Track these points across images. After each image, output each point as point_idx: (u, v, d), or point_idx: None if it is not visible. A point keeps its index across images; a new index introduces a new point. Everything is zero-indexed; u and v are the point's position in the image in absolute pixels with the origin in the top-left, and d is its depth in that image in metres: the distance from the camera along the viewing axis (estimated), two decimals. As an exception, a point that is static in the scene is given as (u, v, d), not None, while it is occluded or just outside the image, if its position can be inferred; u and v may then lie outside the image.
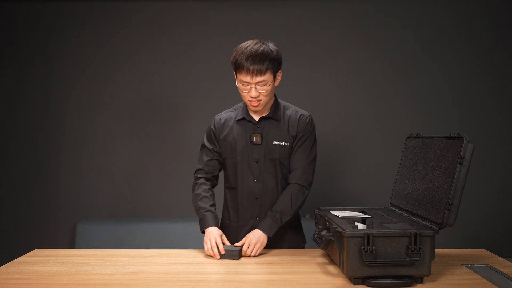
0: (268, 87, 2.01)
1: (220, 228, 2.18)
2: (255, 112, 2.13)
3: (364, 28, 3.28)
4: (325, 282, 1.64)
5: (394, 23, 3.28)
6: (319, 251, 2.01)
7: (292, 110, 2.16)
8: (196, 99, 3.32)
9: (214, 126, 2.18)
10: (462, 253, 2.01)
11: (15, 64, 3.33)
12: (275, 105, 2.14)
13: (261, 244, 1.98)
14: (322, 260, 1.90)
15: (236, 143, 2.12)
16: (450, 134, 1.71)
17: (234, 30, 3.28)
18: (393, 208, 2.06)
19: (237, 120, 2.15)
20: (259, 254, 1.98)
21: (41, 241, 3.29)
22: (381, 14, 3.28)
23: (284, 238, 2.15)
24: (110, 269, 1.80)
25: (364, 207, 2.09)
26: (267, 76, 1.99)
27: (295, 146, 2.11)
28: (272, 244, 2.07)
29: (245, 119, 2.13)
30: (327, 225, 1.82)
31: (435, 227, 1.61)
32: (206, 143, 2.20)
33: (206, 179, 2.20)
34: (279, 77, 2.08)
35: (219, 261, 1.91)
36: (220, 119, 2.19)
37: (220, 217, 2.23)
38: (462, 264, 1.83)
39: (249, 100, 2.04)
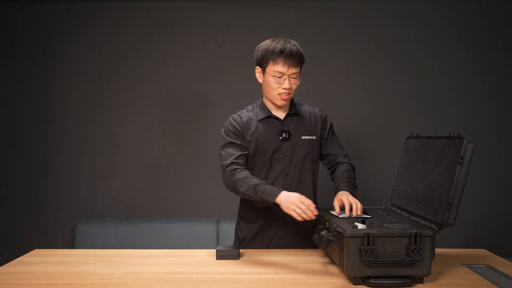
0: (297, 81, 2.08)
1: (243, 230, 2.18)
2: (278, 109, 2.14)
3: (364, 28, 3.28)
4: (325, 282, 1.64)
5: (394, 23, 3.28)
6: (319, 251, 2.02)
7: (305, 106, 2.24)
8: (196, 98, 3.32)
9: (238, 125, 2.12)
10: (462, 253, 2.01)
11: (15, 64, 3.33)
12: (292, 103, 2.18)
13: (352, 198, 1.96)
14: (322, 260, 1.90)
15: (265, 141, 2.10)
16: (450, 134, 1.72)
17: (234, 30, 3.28)
18: (393, 208, 2.06)
19: (260, 120, 2.13)
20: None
21: (41, 241, 3.29)
22: (381, 14, 3.28)
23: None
24: (110, 269, 1.80)
25: (364, 207, 2.09)
26: (299, 69, 2.06)
27: (327, 137, 2.21)
28: (280, 245, 2.10)
29: (271, 117, 2.13)
30: (327, 225, 1.82)
31: (435, 227, 1.61)
32: (234, 140, 2.10)
33: (244, 168, 2.05)
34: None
35: (219, 261, 1.91)
36: (241, 118, 2.14)
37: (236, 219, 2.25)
38: (462, 264, 1.83)
39: (279, 93, 2.05)
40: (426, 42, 3.27)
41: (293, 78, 2.05)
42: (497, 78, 3.27)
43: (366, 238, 1.55)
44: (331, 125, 2.23)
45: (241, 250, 2.06)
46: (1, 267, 1.84)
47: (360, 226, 1.73)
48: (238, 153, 2.06)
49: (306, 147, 2.14)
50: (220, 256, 1.94)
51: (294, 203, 1.81)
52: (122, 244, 3.13)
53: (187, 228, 3.17)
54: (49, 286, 1.62)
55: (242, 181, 1.96)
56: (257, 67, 2.11)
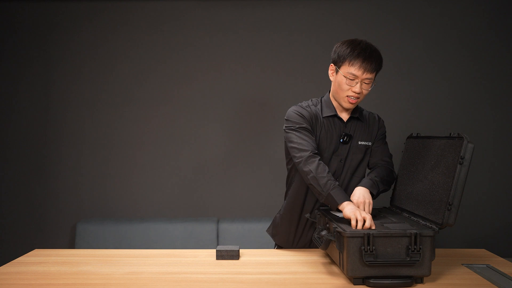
0: (369, 87, 1.99)
1: (287, 228, 2.15)
2: (343, 110, 2.07)
3: (364, 28, 3.28)
4: (325, 282, 1.64)
5: (394, 23, 3.28)
6: (319, 251, 2.01)
7: (365, 110, 2.17)
8: (196, 97, 3.32)
9: (309, 113, 2.03)
10: (462, 253, 2.01)
11: (15, 64, 3.33)
12: (356, 106, 2.10)
13: (365, 199, 1.88)
14: (322, 260, 1.90)
15: (326, 139, 2.05)
16: (450, 134, 1.71)
17: (234, 30, 3.28)
18: (393, 208, 2.06)
19: (325, 116, 2.07)
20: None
21: (41, 241, 3.29)
22: (381, 14, 3.28)
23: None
24: (110, 269, 1.80)
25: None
26: (373, 76, 1.97)
27: (377, 140, 2.11)
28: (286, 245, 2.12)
29: (336, 117, 2.07)
30: (327, 225, 1.82)
31: (435, 227, 1.61)
32: (305, 125, 2.00)
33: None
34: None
35: (219, 261, 1.91)
36: (310, 108, 2.06)
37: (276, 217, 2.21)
38: (462, 264, 1.83)
39: (347, 96, 1.98)
40: (426, 42, 3.28)
41: (365, 83, 1.96)
42: (497, 78, 3.27)
43: (366, 238, 1.55)
44: (385, 132, 2.16)
45: (241, 250, 2.06)
46: (1, 267, 1.84)
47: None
48: (312, 140, 1.99)
49: (361, 152, 2.08)
50: (220, 256, 1.94)
51: (363, 216, 1.70)
52: (122, 244, 3.12)
53: (187, 228, 3.17)
54: (49, 286, 1.62)
55: (322, 169, 1.90)
56: (332, 64, 2.03)
